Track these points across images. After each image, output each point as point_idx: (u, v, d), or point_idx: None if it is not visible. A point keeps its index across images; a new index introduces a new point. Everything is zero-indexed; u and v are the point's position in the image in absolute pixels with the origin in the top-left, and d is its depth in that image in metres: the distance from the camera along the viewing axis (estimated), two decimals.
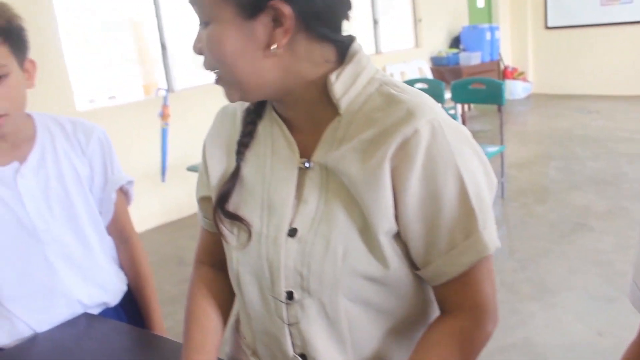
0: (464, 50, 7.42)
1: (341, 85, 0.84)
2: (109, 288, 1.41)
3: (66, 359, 1.24)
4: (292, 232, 0.86)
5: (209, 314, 1.03)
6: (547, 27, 8.24)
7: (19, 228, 1.27)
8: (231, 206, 0.93)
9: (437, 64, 7.34)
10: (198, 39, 0.85)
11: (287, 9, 0.77)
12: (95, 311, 1.40)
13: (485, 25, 7.50)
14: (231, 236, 0.93)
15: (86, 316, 1.37)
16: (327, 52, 0.84)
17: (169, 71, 4.86)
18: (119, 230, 1.47)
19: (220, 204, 0.93)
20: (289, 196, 0.88)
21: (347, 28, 0.87)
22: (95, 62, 4.73)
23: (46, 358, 1.26)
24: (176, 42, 4.89)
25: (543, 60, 8.39)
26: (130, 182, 1.44)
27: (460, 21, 7.74)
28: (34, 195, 1.27)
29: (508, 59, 8.32)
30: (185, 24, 5.02)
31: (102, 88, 4.82)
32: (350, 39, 0.87)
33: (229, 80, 0.85)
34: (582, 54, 7.95)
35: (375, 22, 6.82)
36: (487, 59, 7.46)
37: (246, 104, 0.97)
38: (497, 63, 7.73)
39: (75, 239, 1.34)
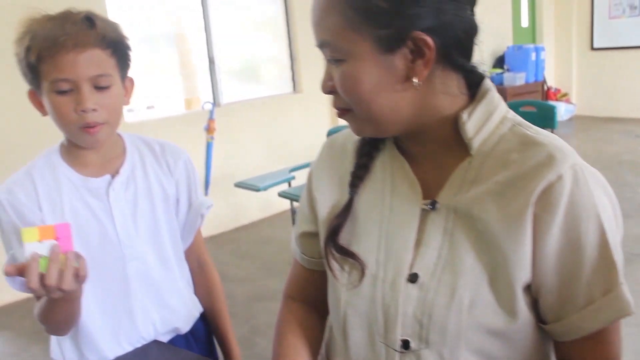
0: (508, 70, 7.31)
1: (473, 124, 0.79)
2: (182, 313, 1.37)
3: None
4: (413, 278, 0.81)
5: (301, 353, 0.98)
6: (593, 48, 8.09)
7: (105, 242, 1.24)
8: (342, 242, 0.88)
9: None
10: (328, 78, 0.81)
11: (429, 40, 0.73)
12: (166, 337, 1.35)
13: (531, 46, 7.39)
14: (341, 274, 0.88)
15: (157, 344, 1.32)
16: (460, 83, 0.80)
17: (216, 85, 4.87)
18: (196, 256, 1.43)
19: (332, 238, 0.88)
20: (409, 239, 0.83)
21: None
22: (136, 72, 4.75)
23: None
24: (223, 56, 4.91)
25: (588, 82, 8.22)
26: (209, 207, 1.40)
27: (504, 41, 7.63)
28: (123, 209, 1.25)
29: (551, 80, 8.18)
30: (232, 38, 5.04)
31: (140, 98, 4.83)
32: (481, 74, 0.82)
33: (363, 117, 0.81)
34: (630, 76, 7.76)
35: None
36: (532, 79, 7.33)
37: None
38: (542, 84, 7.60)
39: (157, 259, 1.31)
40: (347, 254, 0.86)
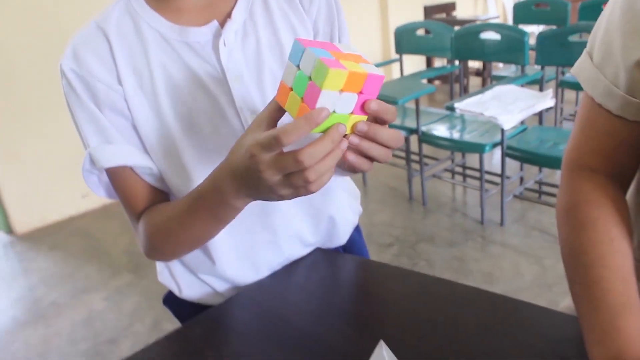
0: None
1: None
2: (337, 219, 1.01)
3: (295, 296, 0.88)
4: None
5: (622, 248, 0.65)
6: None
7: (219, 124, 0.84)
8: None
9: None
10: None
11: None
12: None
13: None
14: None
15: (320, 251, 1.01)
16: None
17: None
18: None
19: None
20: None
21: None
22: None
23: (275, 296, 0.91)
24: None
25: None
26: None
27: None
28: (241, 72, 0.83)
29: None
30: None
31: None
32: None
33: None
34: None
35: None
36: None
37: None
38: None
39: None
40: None
